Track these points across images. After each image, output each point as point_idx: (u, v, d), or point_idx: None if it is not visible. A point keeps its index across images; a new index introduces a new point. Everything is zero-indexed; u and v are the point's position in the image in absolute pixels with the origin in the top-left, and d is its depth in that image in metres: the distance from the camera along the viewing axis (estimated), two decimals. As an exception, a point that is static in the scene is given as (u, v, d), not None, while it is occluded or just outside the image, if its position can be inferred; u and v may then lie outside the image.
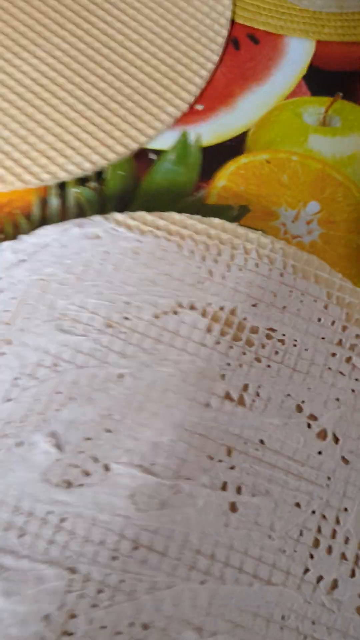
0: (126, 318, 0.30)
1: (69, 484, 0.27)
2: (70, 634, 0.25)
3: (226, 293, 0.31)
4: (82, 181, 0.36)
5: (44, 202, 0.35)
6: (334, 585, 0.27)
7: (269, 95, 0.39)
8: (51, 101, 0.36)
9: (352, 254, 0.36)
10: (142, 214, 0.32)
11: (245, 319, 0.31)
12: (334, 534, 0.28)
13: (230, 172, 0.37)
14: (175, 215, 0.32)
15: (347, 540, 0.28)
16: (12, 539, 0.26)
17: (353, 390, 0.30)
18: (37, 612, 0.25)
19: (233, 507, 0.28)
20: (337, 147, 0.38)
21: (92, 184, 0.36)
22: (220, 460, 0.28)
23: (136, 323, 0.30)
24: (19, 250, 0.31)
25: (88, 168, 0.35)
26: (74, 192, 0.35)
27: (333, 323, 0.31)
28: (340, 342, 0.31)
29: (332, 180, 0.38)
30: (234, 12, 0.40)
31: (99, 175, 0.36)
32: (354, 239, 0.36)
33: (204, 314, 0.30)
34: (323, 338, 0.31)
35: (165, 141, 0.37)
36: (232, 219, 0.35)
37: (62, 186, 0.35)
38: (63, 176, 0.35)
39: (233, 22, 0.40)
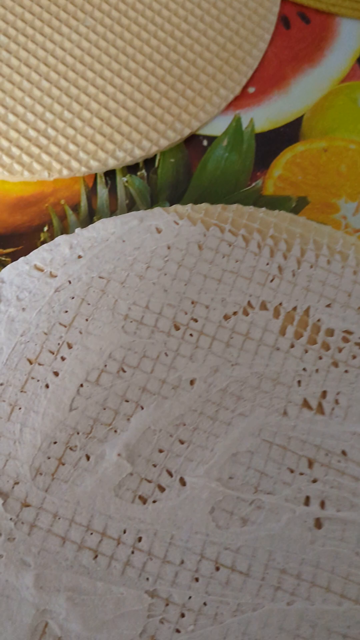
0: (194, 320, 0.28)
1: (143, 500, 0.26)
2: (153, 664, 0.24)
3: (298, 292, 0.29)
4: (131, 169, 0.33)
5: (91, 192, 0.33)
6: None
7: (323, 78, 0.37)
8: (97, 82, 0.33)
9: None
10: (204, 206, 0.30)
11: (319, 320, 0.29)
12: None
13: (286, 161, 0.35)
14: (240, 207, 0.30)
15: None
16: (86, 561, 0.24)
17: None
18: (116, 638, 0.24)
19: (318, 523, 0.26)
20: (395, 134, 0.37)
21: (142, 173, 0.33)
22: (301, 473, 0.27)
23: (204, 324, 0.28)
24: (75, 245, 0.29)
25: (138, 155, 0.33)
26: (123, 181, 0.33)
27: None
28: None
29: (392, 170, 0.36)
30: (283, -12, 0.38)
31: (149, 163, 0.34)
32: None
33: (276, 315, 0.29)
34: None
35: (217, 126, 0.35)
36: (290, 212, 0.34)
37: (110, 175, 0.33)
38: (112, 164, 0.32)
39: (282, -1, 0.38)
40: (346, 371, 0.28)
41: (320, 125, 0.36)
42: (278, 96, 0.36)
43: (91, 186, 0.33)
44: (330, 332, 0.29)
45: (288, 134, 0.36)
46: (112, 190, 0.33)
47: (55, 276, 0.28)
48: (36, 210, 0.32)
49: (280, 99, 0.36)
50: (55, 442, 0.26)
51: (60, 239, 0.29)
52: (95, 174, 0.33)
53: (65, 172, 0.32)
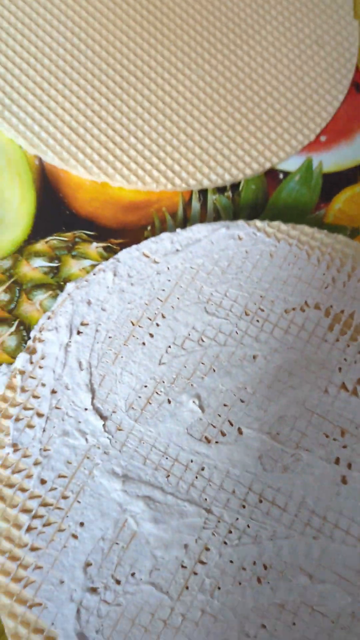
0: (261, 309, 0.36)
1: (208, 440, 0.33)
2: (204, 563, 0.30)
3: (346, 299, 0.37)
4: (219, 190, 0.42)
5: (187, 205, 0.41)
6: None
7: (383, 135, 0.45)
8: (200, 119, 0.42)
9: None
10: (278, 224, 0.38)
11: (361, 323, 0.36)
12: None
13: (345, 198, 0.43)
14: (306, 228, 0.38)
15: None
16: (161, 478, 0.32)
17: None
18: (179, 541, 0.30)
19: (344, 480, 0.33)
20: None
21: (228, 194, 0.42)
22: (335, 439, 0.33)
23: (269, 314, 0.36)
24: (175, 241, 0.37)
25: (227, 180, 0.41)
26: (213, 198, 0.41)
27: None
28: None
29: None
30: (358, 60, 0.47)
31: (234, 186, 0.42)
32: None
33: (327, 314, 0.36)
34: None
35: (292, 164, 0.43)
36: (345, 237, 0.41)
37: (203, 192, 0.41)
38: (206, 184, 0.41)
39: (356, 68, 0.47)
40: (379, 368, 0.35)
41: (378, 172, 0.44)
42: (344, 145, 0.44)
43: (187, 200, 0.41)
44: (369, 334, 0.36)
45: (350, 176, 0.44)
46: (204, 204, 0.41)
47: (158, 262, 0.36)
48: (143, 213, 0.40)
49: (346, 148, 0.44)
50: (145, 386, 0.33)
51: (165, 235, 0.37)
52: (192, 191, 0.41)
53: (169, 186, 0.40)
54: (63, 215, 0.40)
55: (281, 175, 0.43)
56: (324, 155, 0.44)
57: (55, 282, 0.37)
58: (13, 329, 0.36)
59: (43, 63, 0.42)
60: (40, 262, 0.38)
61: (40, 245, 0.38)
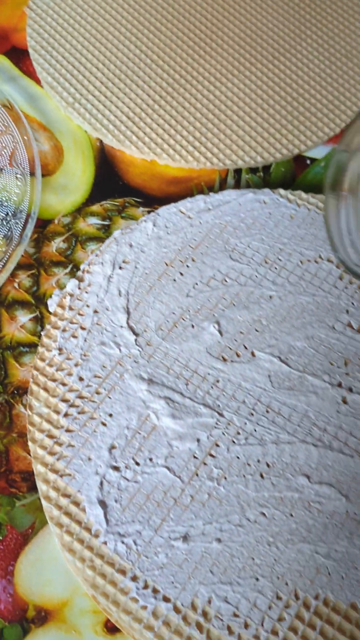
0: (279, 259, 0.41)
1: (224, 359, 0.38)
2: (213, 456, 0.35)
3: (357, 253, 0.42)
4: (252, 170, 0.48)
5: (223, 181, 0.48)
6: None
7: None
8: (240, 111, 0.49)
9: None
10: (299, 192, 0.44)
11: (369, 275, 0.41)
12: None
13: (366, 181, 0.49)
14: (324, 197, 0.44)
15: None
16: (181, 385, 0.37)
17: None
18: (192, 435, 0.35)
19: (344, 400, 0.37)
20: None
21: (260, 174, 0.48)
22: (339, 367, 0.38)
23: (286, 263, 0.41)
24: (207, 201, 0.43)
25: (259, 161, 0.48)
26: (246, 177, 0.48)
27: None
28: None
29: None
30: (383, 71, 0.53)
31: (266, 168, 0.48)
32: None
33: (337, 266, 0.41)
34: None
35: (319, 152, 0.49)
36: (363, 215, 0.46)
37: (238, 171, 0.48)
38: (240, 164, 0.48)
39: (382, 78, 0.53)
40: (383, 311, 0.40)
41: None
42: (368, 139, 0.50)
43: (223, 177, 0.48)
44: (376, 284, 0.41)
45: (371, 164, 0.49)
46: (237, 182, 0.48)
47: (192, 218, 0.43)
48: (184, 187, 0.47)
49: (369, 141, 0.50)
50: (173, 313, 0.39)
51: (199, 196, 0.43)
52: (228, 170, 0.48)
53: (208, 164, 0.47)
54: (116, 185, 0.47)
55: (308, 161, 0.49)
56: (348, 147, 0.50)
57: (106, 237, 0.45)
58: (68, 270, 0.43)
59: (106, 62, 0.51)
60: (94, 220, 0.45)
61: (95, 207, 0.46)
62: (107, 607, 0.32)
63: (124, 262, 0.41)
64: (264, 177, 0.48)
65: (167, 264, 0.41)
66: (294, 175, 0.49)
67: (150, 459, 0.35)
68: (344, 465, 0.35)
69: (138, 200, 0.47)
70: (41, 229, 0.45)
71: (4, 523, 0.36)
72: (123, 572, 0.32)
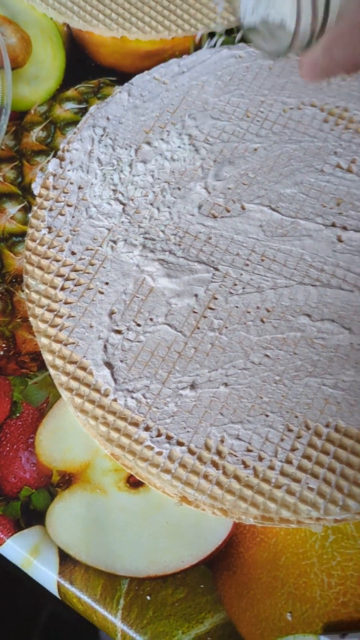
0: (261, 111, 0.40)
1: (214, 216, 0.37)
2: (212, 309, 0.35)
3: (341, 96, 0.40)
4: (228, 32, 0.46)
5: (197, 49, 0.46)
6: None
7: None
8: (206, -26, 0.47)
9: None
10: (276, 42, 0.42)
11: (355, 114, 0.39)
12: None
13: (347, 26, 0.46)
14: (302, 43, 0.41)
15: None
16: (173, 246, 0.36)
17: None
18: (190, 291, 0.35)
19: (340, 239, 0.36)
20: None
21: (235, 35, 0.46)
22: (331, 208, 0.37)
23: (268, 114, 0.39)
24: (182, 64, 0.41)
25: (233, 22, 0.45)
26: (221, 40, 0.45)
27: None
28: None
29: None
30: None
31: (240, 28, 0.46)
32: None
33: (322, 110, 0.39)
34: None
35: (294, 3, 0.46)
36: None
37: (212, 36, 0.46)
38: (213, 27, 0.45)
39: None
40: (373, 147, 0.38)
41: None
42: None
43: (198, 44, 0.45)
44: (363, 122, 0.39)
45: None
46: (213, 47, 0.45)
47: (167, 83, 0.41)
48: (158, 59, 0.45)
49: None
50: (159, 179, 0.38)
51: (172, 60, 0.42)
52: (202, 35, 0.45)
53: (180, 32, 0.45)
54: (89, 67, 0.45)
55: (284, 14, 0.46)
56: (325, -6, 0.47)
57: (85, 121, 0.43)
58: (50, 157, 0.42)
59: None
60: (71, 105, 0.44)
61: (70, 92, 0.44)
62: (124, 457, 0.32)
63: (102, 136, 0.40)
64: (240, 38, 0.46)
65: (146, 132, 0.40)
66: (270, 31, 0.46)
67: (151, 319, 0.35)
68: (344, 301, 0.35)
69: (112, 79, 0.45)
70: (19, 121, 0.44)
71: (19, 401, 0.37)
72: (136, 424, 0.33)
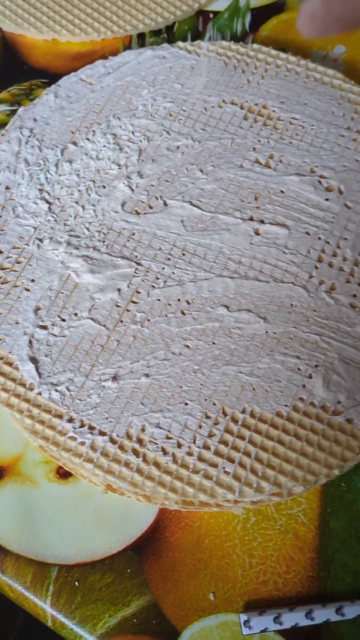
0: (183, 110, 0.40)
1: (137, 212, 0.38)
2: (135, 303, 0.35)
3: (260, 94, 0.40)
4: (156, 33, 0.46)
5: (127, 49, 0.46)
6: (333, 287, 0.36)
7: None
8: (134, -24, 0.47)
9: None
10: (198, 42, 0.42)
11: (274, 111, 0.40)
12: (335, 254, 0.36)
13: (272, 25, 0.47)
14: (223, 43, 0.42)
15: (344, 259, 0.36)
16: (97, 242, 0.37)
17: (357, 160, 0.38)
18: (113, 286, 0.36)
19: (257, 232, 0.37)
20: (362, 6, 0.47)
21: (164, 35, 0.46)
22: (249, 202, 0.37)
23: (190, 113, 0.40)
24: (108, 65, 0.42)
25: (161, 22, 0.46)
26: (149, 40, 0.46)
27: (344, 115, 0.40)
28: (349, 128, 0.39)
29: (357, 30, 0.46)
30: None
31: (169, 28, 0.47)
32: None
33: (242, 107, 0.40)
34: (335, 124, 0.39)
35: (221, 4, 0.47)
36: (272, 60, 0.45)
37: (141, 37, 0.46)
38: (142, 28, 0.46)
39: None
40: (290, 142, 0.39)
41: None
42: (270, -17, 0.48)
43: (127, 44, 0.46)
44: (281, 119, 0.40)
45: (276, 7, 0.47)
46: (142, 47, 0.46)
47: (93, 84, 0.41)
48: (89, 60, 0.46)
49: (271, -15, 0.48)
50: (84, 177, 0.39)
51: (98, 61, 0.42)
52: (131, 36, 0.46)
53: (109, 34, 0.46)
54: (21, 70, 0.46)
55: (211, 15, 0.47)
56: (251, -6, 0.48)
57: (17, 122, 0.44)
58: (-18, 158, 0.42)
59: None
60: (2, 107, 0.44)
61: (2, 94, 0.45)
62: (49, 449, 0.33)
63: (29, 137, 0.40)
64: (169, 39, 0.46)
65: (72, 132, 0.40)
66: (198, 31, 0.47)
67: (75, 314, 0.36)
68: (260, 291, 0.36)
69: (44, 80, 0.45)
70: None
71: None
72: (60, 416, 0.33)
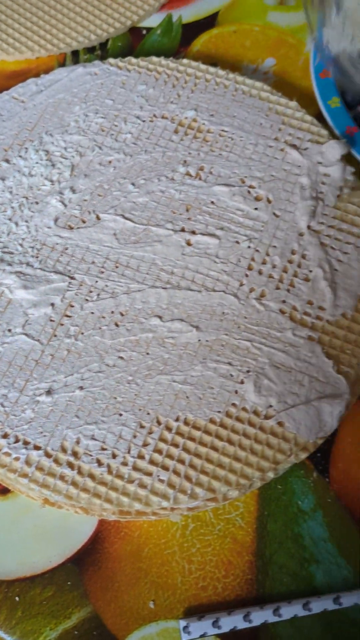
0: (115, 125, 0.40)
1: (70, 227, 0.38)
2: (69, 317, 0.35)
3: (190, 107, 0.41)
4: (90, 50, 0.46)
5: (61, 66, 0.46)
6: (263, 294, 0.36)
7: (237, -14, 0.49)
8: (68, -5, 0.47)
9: (295, 91, 0.45)
10: (129, 58, 0.43)
11: (204, 124, 0.40)
12: (264, 261, 0.37)
13: (203, 41, 0.47)
14: (154, 58, 0.43)
15: (274, 266, 0.36)
16: (30, 258, 0.37)
17: (284, 169, 0.39)
18: (46, 301, 0.36)
19: (189, 243, 0.37)
20: (291, 19, 0.48)
21: (97, 52, 0.46)
22: (180, 214, 0.38)
23: (122, 128, 0.40)
24: (40, 83, 0.42)
25: (94, 40, 0.46)
26: (84, 57, 0.46)
27: (272, 126, 0.40)
28: (276, 138, 0.40)
29: (286, 43, 0.47)
30: None
31: (103, 45, 0.47)
32: (300, 82, 0.45)
33: (172, 121, 0.40)
34: (264, 136, 0.40)
35: (153, 21, 0.48)
36: (204, 74, 0.45)
37: (75, 54, 0.46)
38: (75, 45, 0.46)
39: None
40: (220, 154, 0.39)
41: (232, 16, 0.48)
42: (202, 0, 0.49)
43: (62, 62, 0.46)
44: (210, 131, 0.40)
45: (207, 23, 0.48)
46: (76, 64, 0.46)
47: (25, 102, 0.41)
48: (23, 79, 0.46)
49: (203, 1, 0.48)
50: (17, 194, 0.38)
51: (30, 80, 0.42)
52: (65, 54, 0.46)
53: (43, 52, 0.46)
54: None
55: (144, 32, 0.47)
56: (183, 10, 0.48)
57: None
58: None
59: None
60: None
61: None
62: (-16, 466, 0.33)
63: None
64: (102, 55, 0.47)
65: (5, 150, 0.40)
66: (131, 47, 0.47)
67: (9, 330, 0.35)
68: (192, 301, 0.36)
69: (-21, 99, 0.45)
70: None
71: None
72: (-5, 432, 0.33)
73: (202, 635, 0.32)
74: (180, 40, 0.47)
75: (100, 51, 0.46)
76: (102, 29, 0.46)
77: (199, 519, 0.34)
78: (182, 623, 0.32)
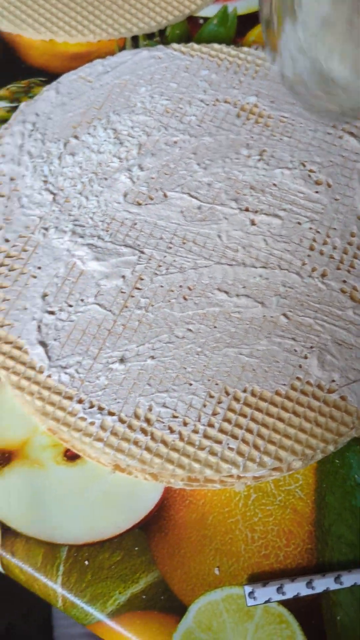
0: (179, 107, 0.40)
1: (139, 203, 0.37)
2: (139, 289, 0.35)
3: (251, 93, 0.40)
4: (149, 36, 0.46)
5: (121, 50, 0.46)
6: (324, 273, 0.36)
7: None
8: (128, -18, 0.47)
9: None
10: (191, 44, 0.42)
11: (264, 110, 0.40)
12: (325, 242, 0.36)
13: (259, 31, 0.47)
14: (215, 45, 0.42)
15: (334, 247, 0.36)
16: (101, 231, 0.36)
17: (342, 156, 0.39)
18: (117, 273, 0.35)
19: (253, 222, 0.37)
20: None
21: (157, 39, 0.46)
22: (244, 194, 0.37)
23: (186, 110, 0.40)
24: (106, 64, 0.41)
25: (154, 26, 0.46)
26: (143, 43, 0.46)
27: (331, 114, 0.40)
28: (335, 125, 0.40)
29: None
30: None
31: (161, 32, 0.46)
32: None
33: (234, 106, 0.40)
34: (322, 123, 0.40)
35: (210, 11, 0.47)
36: (259, 63, 0.45)
37: (135, 40, 0.46)
38: (136, 31, 0.45)
39: None
40: (281, 139, 0.39)
41: (286, 10, 0.48)
42: (256, -7, 0.48)
43: (122, 46, 0.46)
44: (271, 117, 0.40)
45: (262, 16, 0.47)
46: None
47: (92, 82, 0.41)
48: (85, 61, 0.45)
49: (257, -6, 0.48)
50: (87, 169, 0.38)
51: (97, 60, 0.41)
52: (125, 38, 0.46)
53: (104, 35, 0.45)
54: (20, 68, 0.45)
55: (201, 21, 0.47)
56: (238, 2, 0.48)
57: (16, 118, 0.43)
58: (-17, 152, 0.41)
59: None
60: (2, 104, 0.43)
61: (2, 92, 0.44)
62: (59, 430, 0.32)
63: (32, 130, 0.40)
64: (161, 42, 0.46)
65: (74, 127, 0.40)
66: (189, 35, 0.47)
67: (82, 300, 0.35)
68: (257, 278, 0.36)
69: (43, 79, 0.45)
70: None
71: None
72: (69, 397, 0.33)
73: (267, 601, 0.31)
74: (236, 30, 0.47)
75: (160, 38, 0.46)
76: (161, 16, 0.46)
77: (260, 490, 0.34)
78: (248, 589, 0.31)
